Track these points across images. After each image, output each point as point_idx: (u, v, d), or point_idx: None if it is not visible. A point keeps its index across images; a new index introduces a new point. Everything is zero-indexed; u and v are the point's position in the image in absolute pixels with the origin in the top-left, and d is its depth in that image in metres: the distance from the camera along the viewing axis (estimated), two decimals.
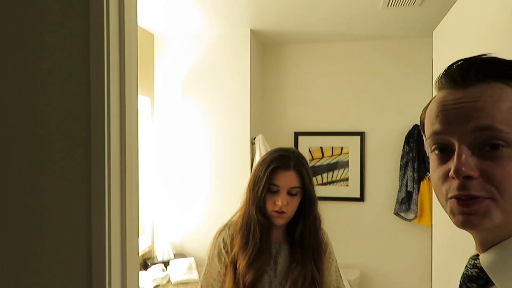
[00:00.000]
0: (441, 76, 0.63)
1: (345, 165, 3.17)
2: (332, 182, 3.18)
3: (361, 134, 3.14)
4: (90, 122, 0.81)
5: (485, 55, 0.61)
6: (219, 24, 2.74)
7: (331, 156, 3.19)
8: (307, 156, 3.18)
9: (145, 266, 2.72)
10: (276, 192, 1.35)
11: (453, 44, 1.62)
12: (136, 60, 0.89)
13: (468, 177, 0.57)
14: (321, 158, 3.20)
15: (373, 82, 3.14)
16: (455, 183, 0.58)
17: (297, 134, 3.23)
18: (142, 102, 2.75)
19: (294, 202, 1.37)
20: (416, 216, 2.98)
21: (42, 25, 0.83)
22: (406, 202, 3.01)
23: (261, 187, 1.34)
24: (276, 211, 1.35)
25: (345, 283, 2.81)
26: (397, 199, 3.04)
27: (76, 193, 0.83)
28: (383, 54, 3.13)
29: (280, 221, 1.37)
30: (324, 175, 3.20)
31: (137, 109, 0.89)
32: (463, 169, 0.57)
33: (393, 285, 3.13)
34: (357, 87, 3.17)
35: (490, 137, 0.57)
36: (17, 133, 0.85)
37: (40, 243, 0.85)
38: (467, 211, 0.58)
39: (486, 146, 0.57)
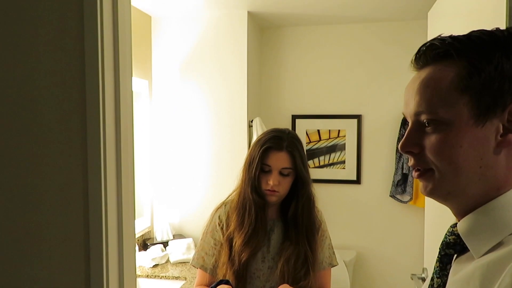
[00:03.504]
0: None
1: (342, 148, 3.19)
2: (329, 164, 3.21)
3: (358, 117, 3.16)
4: (86, 106, 0.82)
5: (439, 36, 0.68)
6: (216, 6, 2.72)
7: (328, 139, 3.21)
8: (304, 139, 3.20)
9: (144, 246, 2.77)
10: (269, 172, 1.39)
11: (446, 26, 1.62)
12: (130, 41, 0.90)
13: (410, 152, 0.66)
14: (319, 141, 3.22)
15: (370, 65, 3.14)
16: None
17: (294, 117, 3.25)
18: (140, 84, 2.75)
19: (286, 182, 1.41)
20: (411, 198, 3.02)
21: (34, 10, 0.84)
22: (402, 185, 3.05)
23: (255, 167, 1.38)
24: (269, 190, 1.39)
25: (341, 263, 2.87)
26: (393, 181, 3.08)
27: (73, 179, 0.85)
28: (380, 37, 3.11)
29: (273, 198, 1.41)
30: (322, 157, 3.22)
31: (132, 91, 0.90)
32: (404, 146, 0.66)
33: (387, 264, 3.19)
34: (354, 70, 3.17)
35: (423, 119, 0.65)
36: (11, 120, 0.86)
37: (37, 230, 0.87)
38: (420, 179, 0.67)
39: (425, 123, 0.65)
